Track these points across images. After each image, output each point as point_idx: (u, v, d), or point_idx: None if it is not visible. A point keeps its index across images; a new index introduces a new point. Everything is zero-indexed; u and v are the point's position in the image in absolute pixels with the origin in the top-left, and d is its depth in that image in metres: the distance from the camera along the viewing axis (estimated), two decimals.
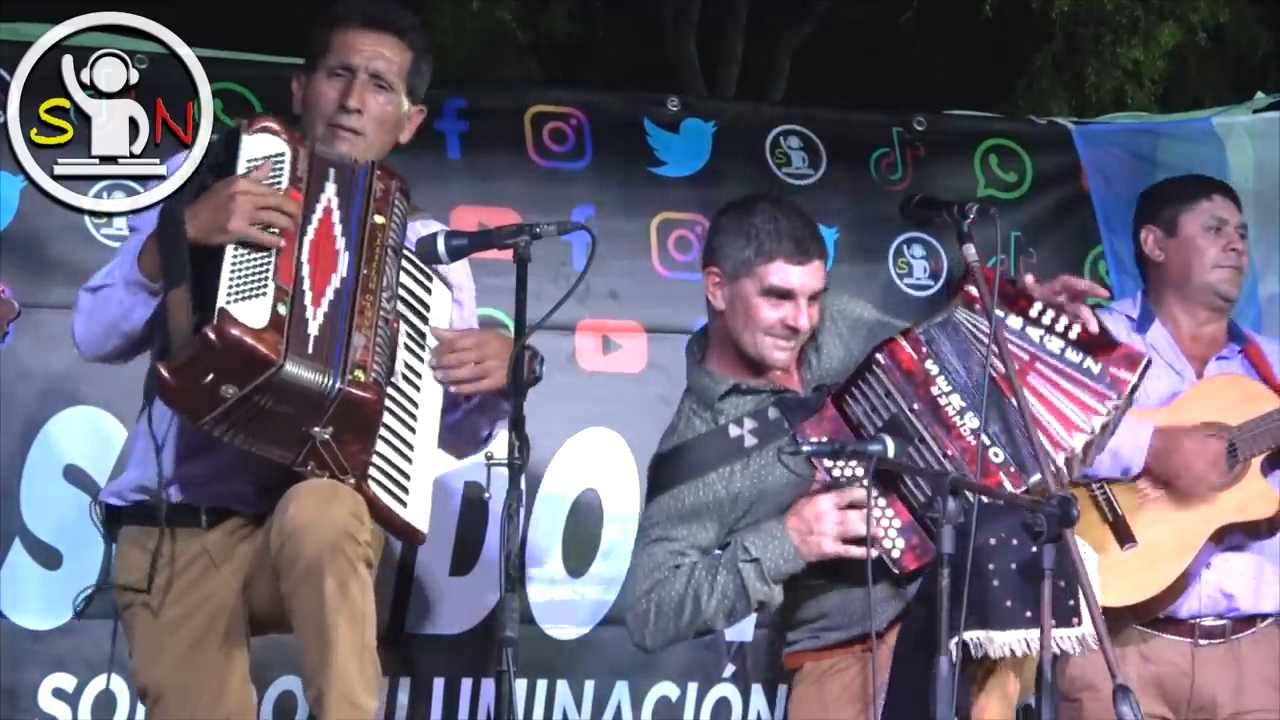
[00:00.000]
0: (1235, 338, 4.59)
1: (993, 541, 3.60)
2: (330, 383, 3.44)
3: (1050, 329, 3.84)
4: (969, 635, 3.58)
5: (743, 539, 3.84)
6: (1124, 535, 4.36)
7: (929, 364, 3.77)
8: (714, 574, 3.84)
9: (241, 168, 3.55)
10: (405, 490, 3.57)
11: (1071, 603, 3.61)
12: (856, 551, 3.73)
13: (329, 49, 3.79)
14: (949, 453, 3.72)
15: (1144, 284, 4.65)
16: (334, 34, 3.80)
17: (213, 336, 3.37)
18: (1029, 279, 3.88)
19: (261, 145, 3.59)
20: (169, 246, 3.50)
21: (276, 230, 3.50)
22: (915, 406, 3.74)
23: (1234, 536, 4.38)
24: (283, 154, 3.59)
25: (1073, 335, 3.83)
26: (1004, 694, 3.79)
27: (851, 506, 3.77)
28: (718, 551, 3.90)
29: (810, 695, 3.93)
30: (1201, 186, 4.67)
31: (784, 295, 3.87)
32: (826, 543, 3.77)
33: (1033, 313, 3.85)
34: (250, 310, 3.42)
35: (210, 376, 3.39)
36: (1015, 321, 3.84)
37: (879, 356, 3.78)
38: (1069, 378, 3.81)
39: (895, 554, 3.76)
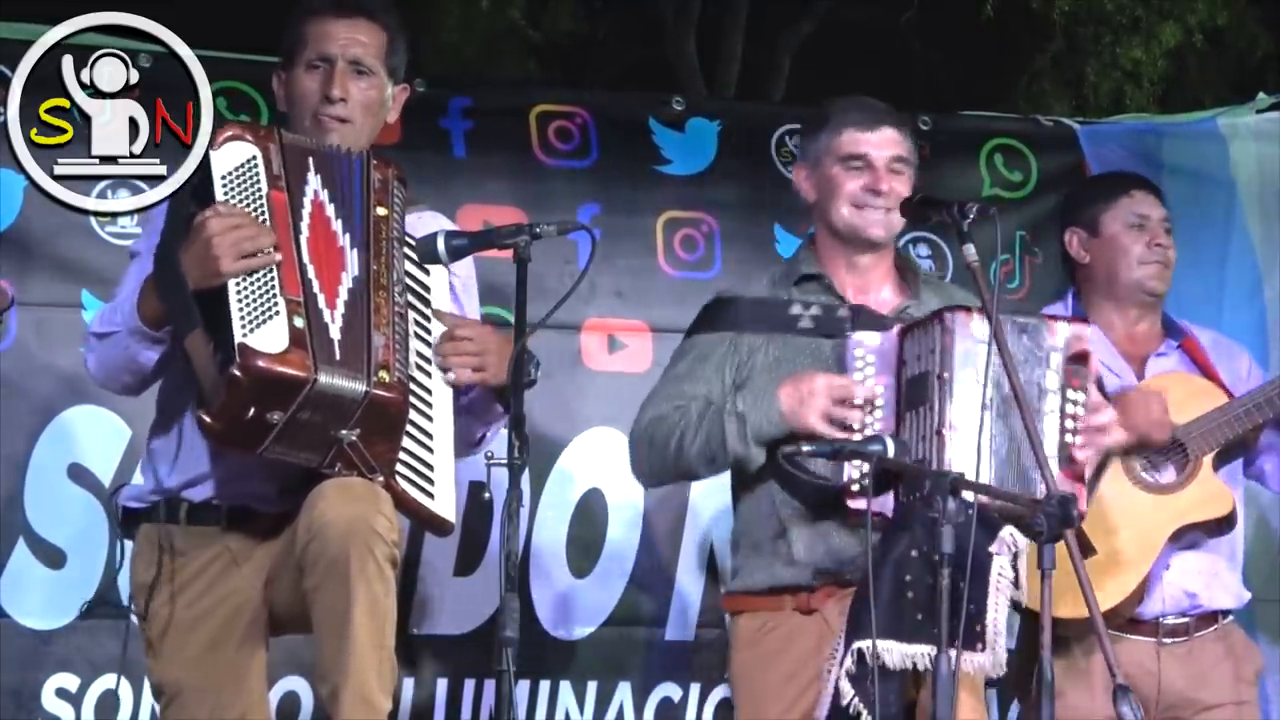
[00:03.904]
0: (1171, 333, 4.56)
1: (914, 554, 3.62)
2: (358, 387, 3.45)
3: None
4: (867, 642, 3.60)
5: (735, 395, 3.89)
6: (1084, 546, 4.34)
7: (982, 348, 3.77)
8: (702, 420, 3.88)
9: (218, 186, 3.53)
10: (431, 481, 3.57)
11: (978, 628, 3.62)
12: (838, 434, 3.76)
13: (304, 42, 3.78)
14: (941, 430, 3.73)
15: (1073, 286, 4.62)
16: (307, 26, 3.79)
17: (239, 375, 3.38)
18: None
19: (231, 156, 3.56)
20: (170, 296, 3.51)
21: (268, 249, 3.49)
22: (945, 375, 3.75)
23: (1191, 535, 4.38)
24: (254, 157, 3.57)
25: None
26: (972, 686, 3.79)
27: (843, 402, 3.80)
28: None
29: (755, 661, 3.94)
30: (1120, 184, 4.64)
31: (860, 159, 3.92)
32: (813, 417, 3.79)
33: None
34: (268, 335, 3.42)
35: (252, 411, 3.40)
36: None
37: (949, 315, 3.79)
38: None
39: (853, 485, 3.77)
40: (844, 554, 3.85)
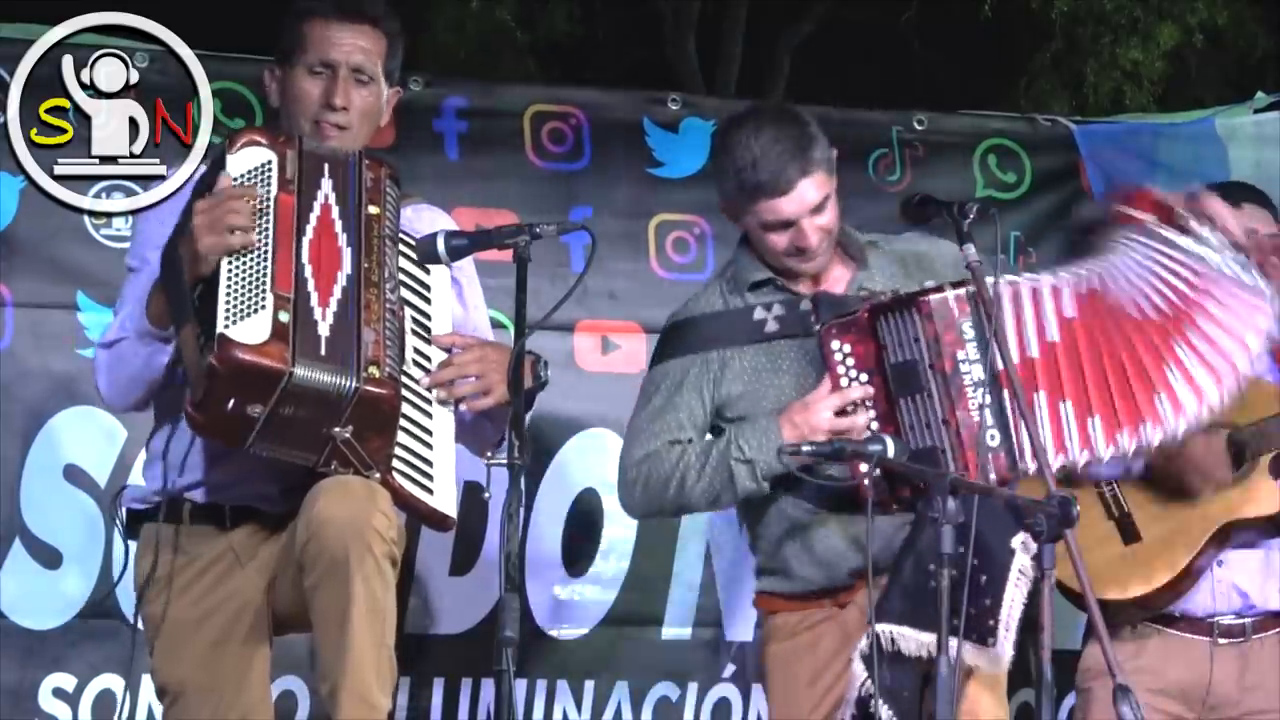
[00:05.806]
0: None
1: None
2: (346, 383, 3.43)
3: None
4: (884, 627, 3.61)
5: (737, 435, 3.83)
6: (1129, 532, 4.37)
7: (966, 326, 3.75)
8: (704, 461, 3.84)
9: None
10: (430, 477, 3.56)
11: (991, 622, 3.60)
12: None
13: (305, 44, 3.72)
14: (947, 419, 3.72)
15: None
16: (308, 27, 3.73)
17: (216, 364, 3.36)
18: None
19: (247, 160, 3.56)
20: (173, 290, 3.50)
21: (245, 229, 3.46)
22: (934, 364, 3.73)
23: (1243, 534, 4.37)
24: (269, 162, 3.56)
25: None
26: (993, 682, 3.78)
27: (844, 413, 3.76)
28: (710, 437, 3.90)
29: (786, 654, 3.92)
30: (1232, 195, 4.60)
31: (784, 225, 3.86)
32: (820, 440, 3.73)
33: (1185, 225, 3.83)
34: (250, 328, 3.40)
35: (232, 402, 3.39)
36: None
37: (927, 300, 3.75)
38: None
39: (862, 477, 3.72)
40: (864, 543, 3.79)
